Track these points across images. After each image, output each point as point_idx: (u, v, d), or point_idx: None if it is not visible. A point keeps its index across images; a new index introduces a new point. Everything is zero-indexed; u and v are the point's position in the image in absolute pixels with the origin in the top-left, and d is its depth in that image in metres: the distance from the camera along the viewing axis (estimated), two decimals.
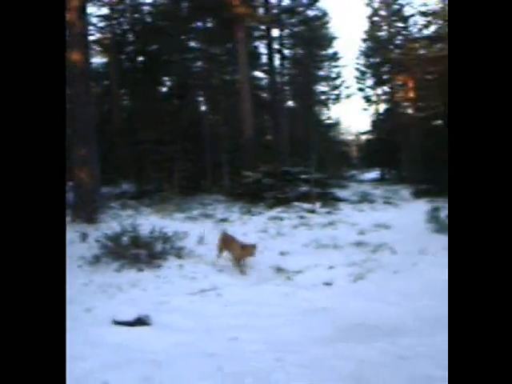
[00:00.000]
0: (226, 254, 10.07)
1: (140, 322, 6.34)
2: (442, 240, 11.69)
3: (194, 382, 4.54)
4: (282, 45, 36.30)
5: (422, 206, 17.68)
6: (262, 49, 34.56)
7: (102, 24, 30.05)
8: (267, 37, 33.33)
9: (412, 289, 7.94)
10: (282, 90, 36.42)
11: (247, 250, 9.59)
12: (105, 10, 29.82)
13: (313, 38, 37.58)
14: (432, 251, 10.66)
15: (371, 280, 8.68)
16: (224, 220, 16.25)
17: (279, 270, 9.43)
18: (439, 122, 27.89)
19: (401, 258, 10.21)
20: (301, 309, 7.12)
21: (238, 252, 9.69)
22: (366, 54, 45.15)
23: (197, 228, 13.79)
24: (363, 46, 45.29)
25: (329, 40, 41.91)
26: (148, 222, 12.51)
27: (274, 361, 5.05)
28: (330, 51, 42.40)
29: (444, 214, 14.65)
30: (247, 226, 15.26)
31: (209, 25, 29.70)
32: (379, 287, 8.14)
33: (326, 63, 42.80)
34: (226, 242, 10.11)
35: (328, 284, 8.52)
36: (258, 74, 35.46)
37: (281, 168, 21.54)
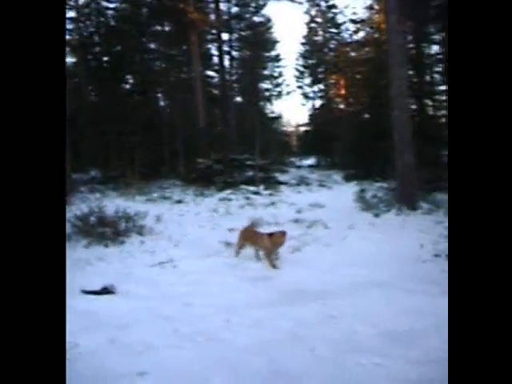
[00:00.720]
0: (243, 249, 8.60)
1: (106, 291, 6.38)
2: (368, 217, 12.05)
3: (153, 342, 4.61)
4: (231, 47, 36.08)
5: (351, 188, 18.03)
6: (214, 50, 34.42)
7: (70, 26, 29.39)
8: (218, 40, 33.15)
9: (341, 258, 8.13)
10: (230, 87, 36.31)
11: (276, 238, 7.79)
12: (72, 13, 29.20)
13: (258, 42, 37.44)
14: (359, 226, 10.91)
15: (307, 251, 8.84)
16: (180, 201, 16.26)
17: (228, 244, 9.47)
18: (366, 115, 28.22)
19: (332, 232, 10.39)
20: (246, 277, 7.24)
21: (267, 244, 7.83)
22: (304, 56, 45.24)
23: (156, 209, 13.78)
24: (302, 48, 45.37)
25: (272, 43, 41.91)
26: (113, 204, 12.42)
27: (222, 322, 5.16)
28: (273, 53, 42.45)
29: (369, 194, 14.99)
30: (200, 206, 15.31)
31: (166, 28, 29.41)
32: (313, 257, 8.31)
33: (270, 64, 42.74)
34: (248, 237, 8.41)
35: None
36: (210, 73, 35.21)
37: (229, 156, 21.57)
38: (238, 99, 40.68)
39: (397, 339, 4.56)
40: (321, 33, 43.29)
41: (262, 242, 7.91)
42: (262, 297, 6.17)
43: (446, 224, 10.45)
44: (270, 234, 7.84)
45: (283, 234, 7.88)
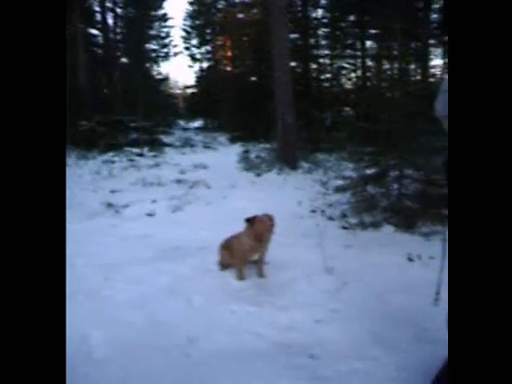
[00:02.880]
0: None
1: None
2: (250, 176, 12.41)
3: None
4: (114, 4, 34.99)
5: (235, 150, 18.40)
6: (97, 7, 33.18)
7: None
8: None
9: (220, 216, 8.36)
10: (115, 47, 35.31)
11: (260, 223, 5.01)
12: None
13: None
14: (240, 186, 11.25)
15: (187, 211, 9.06)
16: None
17: (109, 205, 9.50)
18: (252, 77, 28.51)
19: (214, 192, 10.66)
20: (126, 236, 7.33)
21: (245, 241, 5.13)
22: (192, 16, 44.74)
23: None
24: (190, 8, 44.83)
25: (159, 2, 40.82)
26: None
27: (103, 280, 5.27)
28: (160, 12, 41.41)
29: (252, 155, 15.38)
30: (82, 169, 15.02)
31: None
32: (194, 216, 8.54)
33: (156, 23, 41.77)
34: (227, 248, 5.49)
35: (150, 215, 8.78)
36: (94, 31, 33.99)
37: (113, 117, 21.17)
38: (124, 60, 39.69)
39: (269, 288, 4.90)
40: None
41: (241, 242, 5.22)
42: (141, 254, 6.30)
43: (324, 181, 11.05)
44: (249, 220, 5.14)
45: (269, 217, 5.14)
